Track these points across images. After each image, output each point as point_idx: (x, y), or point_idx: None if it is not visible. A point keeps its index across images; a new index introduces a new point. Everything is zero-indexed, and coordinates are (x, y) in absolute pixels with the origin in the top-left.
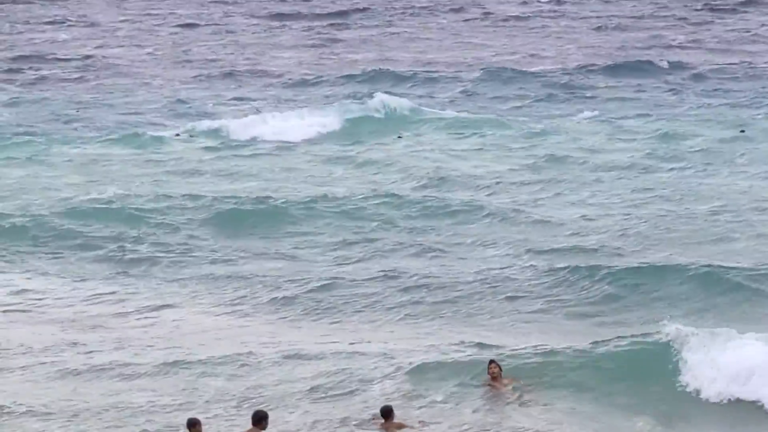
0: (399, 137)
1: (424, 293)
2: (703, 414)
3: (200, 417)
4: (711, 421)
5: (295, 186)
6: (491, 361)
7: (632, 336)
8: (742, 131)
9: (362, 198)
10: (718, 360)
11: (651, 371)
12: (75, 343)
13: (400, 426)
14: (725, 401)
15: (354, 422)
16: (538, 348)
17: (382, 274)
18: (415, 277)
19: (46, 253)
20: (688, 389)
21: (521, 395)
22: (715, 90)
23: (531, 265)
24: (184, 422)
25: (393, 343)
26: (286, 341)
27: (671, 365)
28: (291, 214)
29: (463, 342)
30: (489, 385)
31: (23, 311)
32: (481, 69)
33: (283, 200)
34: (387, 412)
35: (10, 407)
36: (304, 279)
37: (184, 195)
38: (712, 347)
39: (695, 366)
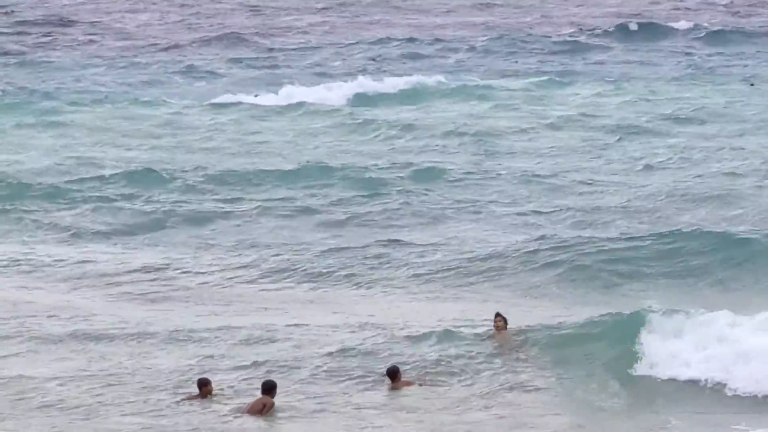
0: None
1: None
2: (661, 393)
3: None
4: (671, 400)
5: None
6: (497, 315)
7: (600, 314)
8: (752, 84)
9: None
10: (677, 339)
11: (612, 349)
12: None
13: (408, 384)
14: (683, 381)
15: (363, 386)
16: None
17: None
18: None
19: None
20: (646, 367)
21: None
22: (728, 51)
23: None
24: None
25: (400, 313)
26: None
27: (632, 344)
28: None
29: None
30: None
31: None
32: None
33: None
34: (393, 373)
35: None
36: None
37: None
38: (673, 327)
39: (656, 345)
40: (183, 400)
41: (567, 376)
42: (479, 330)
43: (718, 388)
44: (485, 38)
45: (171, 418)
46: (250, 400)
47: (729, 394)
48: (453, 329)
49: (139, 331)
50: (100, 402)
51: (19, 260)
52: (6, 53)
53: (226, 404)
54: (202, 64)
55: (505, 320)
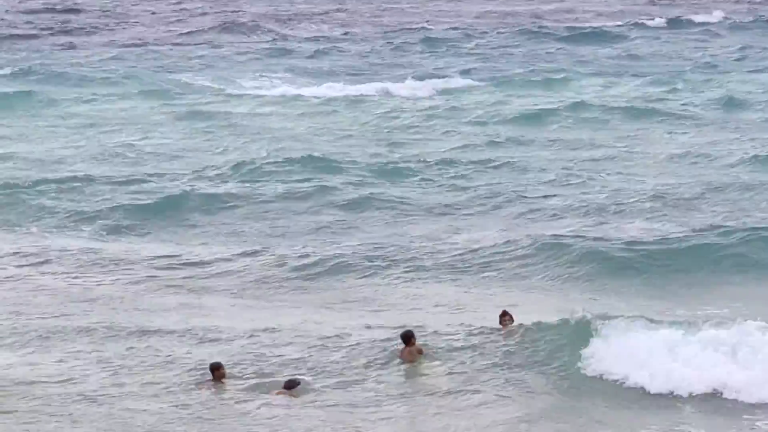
0: None
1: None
2: (603, 397)
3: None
4: (609, 406)
5: None
6: (504, 313)
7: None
8: None
9: None
10: (620, 345)
11: (558, 354)
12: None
13: (420, 351)
14: (623, 385)
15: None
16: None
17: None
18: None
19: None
20: (589, 372)
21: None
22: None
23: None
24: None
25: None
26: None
27: (578, 348)
28: None
29: None
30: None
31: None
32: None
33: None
34: (407, 337)
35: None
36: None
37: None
38: (617, 333)
39: (598, 350)
40: (200, 385)
41: (510, 378)
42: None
43: (658, 390)
44: None
45: (192, 407)
46: (263, 381)
47: (669, 396)
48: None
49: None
50: (120, 390)
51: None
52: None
53: (243, 384)
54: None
55: (512, 318)
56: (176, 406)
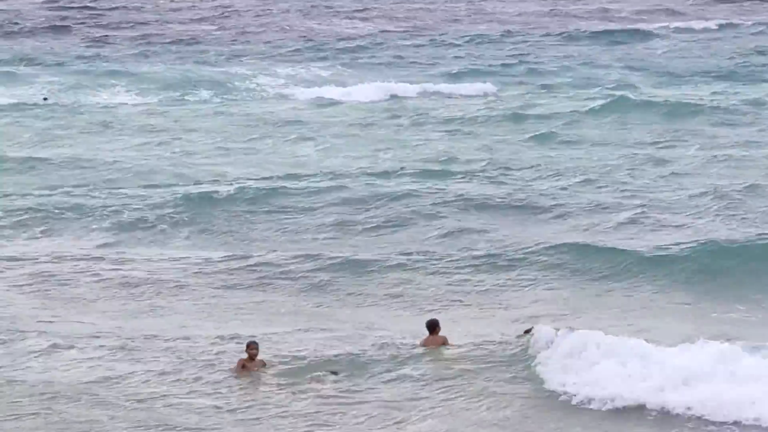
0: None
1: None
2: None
3: None
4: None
5: None
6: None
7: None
8: None
9: None
10: (573, 359)
11: (510, 369)
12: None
13: (444, 342)
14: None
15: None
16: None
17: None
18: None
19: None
20: (545, 388)
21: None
22: None
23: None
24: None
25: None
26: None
27: (532, 364)
28: None
29: None
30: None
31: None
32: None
33: None
34: (432, 326)
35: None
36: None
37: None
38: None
39: (552, 365)
40: (235, 368)
41: (459, 393)
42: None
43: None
44: None
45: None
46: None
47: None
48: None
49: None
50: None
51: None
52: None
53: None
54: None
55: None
56: (217, 401)
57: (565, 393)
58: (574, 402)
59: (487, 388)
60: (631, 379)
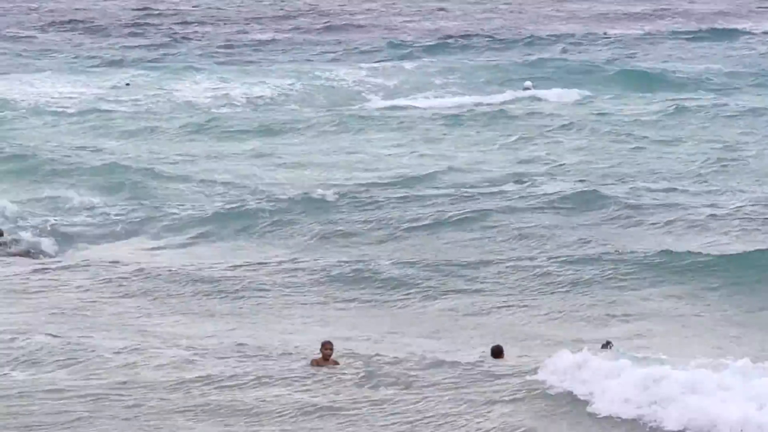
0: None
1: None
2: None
3: None
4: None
5: None
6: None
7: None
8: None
9: None
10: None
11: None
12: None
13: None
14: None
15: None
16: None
17: None
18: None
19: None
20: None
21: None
22: None
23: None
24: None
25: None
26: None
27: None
28: None
29: None
30: None
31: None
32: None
33: None
34: (498, 352)
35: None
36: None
37: None
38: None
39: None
40: (312, 364)
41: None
42: None
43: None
44: None
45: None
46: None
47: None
48: None
49: None
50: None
51: None
52: None
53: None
54: None
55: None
56: (294, 393)
57: None
58: None
59: None
60: None
